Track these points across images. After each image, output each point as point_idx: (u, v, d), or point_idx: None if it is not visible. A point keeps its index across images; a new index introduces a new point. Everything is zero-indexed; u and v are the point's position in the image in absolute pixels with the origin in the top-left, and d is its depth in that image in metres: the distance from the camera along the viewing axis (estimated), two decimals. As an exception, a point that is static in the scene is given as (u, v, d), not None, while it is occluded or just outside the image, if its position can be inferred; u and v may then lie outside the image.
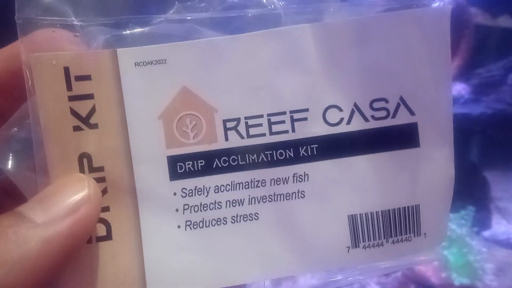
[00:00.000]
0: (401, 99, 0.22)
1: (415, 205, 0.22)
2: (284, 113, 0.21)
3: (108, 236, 0.21)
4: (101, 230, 0.21)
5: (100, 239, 0.21)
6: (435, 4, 0.21)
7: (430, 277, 0.47)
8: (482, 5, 0.54)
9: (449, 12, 0.21)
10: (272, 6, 0.23)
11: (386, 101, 0.22)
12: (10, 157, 0.21)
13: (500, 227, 0.53)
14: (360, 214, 0.22)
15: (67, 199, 0.19)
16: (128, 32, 0.22)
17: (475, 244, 0.50)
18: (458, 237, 0.50)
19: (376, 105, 0.22)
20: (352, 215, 0.22)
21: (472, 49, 0.53)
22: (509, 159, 0.54)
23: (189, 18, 0.22)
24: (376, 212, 0.22)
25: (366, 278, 0.24)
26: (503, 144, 0.54)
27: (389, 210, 0.22)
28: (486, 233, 0.52)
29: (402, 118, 0.22)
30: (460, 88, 0.53)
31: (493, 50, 0.55)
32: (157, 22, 0.22)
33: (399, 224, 0.22)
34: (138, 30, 0.22)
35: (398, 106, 0.22)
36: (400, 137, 0.22)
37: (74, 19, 0.21)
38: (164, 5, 0.23)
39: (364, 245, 0.22)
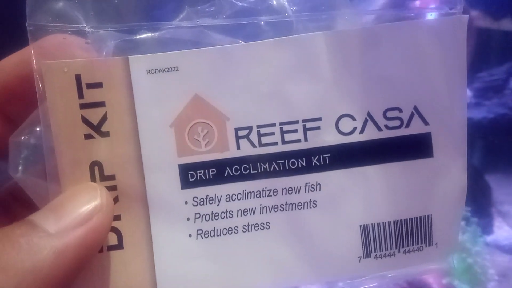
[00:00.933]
0: (415, 108, 0.22)
1: (428, 215, 0.22)
2: (296, 122, 0.21)
3: (119, 245, 0.21)
4: (113, 239, 0.21)
5: (112, 248, 0.21)
6: (451, 14, 0.21)
7: (431, 283, 0.47)
8: (484, 8, 0.53)
9: (466, 22, 0.21)
10: (286, 14, 0.23)
11: (400, 110, 0.21)
12: (21, 163, 0.21)
13: (502, 232, 0.52)
14: (372, 224, 0.22)
15: (79, 209, 0.19)
16: (139, 38, 0.22)
17: (477, 249, 0.50)
18: (459, 242, 0.49)
19: (390, 114, 0.21)
20: (364, 225, 0.22)
21: (474, 52, 0.53)
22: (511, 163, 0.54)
23: (200, 25, 0.22)
24: (388, 222, 0.22)
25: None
26: (505, 149, 0.54)
27: (401, 220, 0.22)
28: (488, 238, 0.51)
29: (416, 127, 0.22)
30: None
31: (495, 54, 0.54)
32: (168, 28, 0.22)
33: (411, 234, 0.22)
34: (149, 36, 0.22)
35: (412, 115, 0.22)
36: (414, 147, 0.22)
37: (85, 25, 0.21)
38: (174, 10, 0.23)
39: (376, 255, 0.22)
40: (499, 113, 0.54)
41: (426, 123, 0.22)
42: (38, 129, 0.21)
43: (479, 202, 0.53)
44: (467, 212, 0.51)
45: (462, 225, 0.51)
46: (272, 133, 0.21)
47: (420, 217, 0.22)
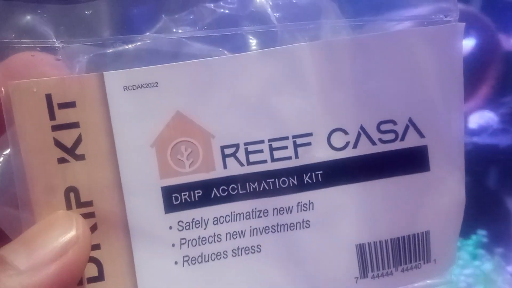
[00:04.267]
0: (410, 120, 0.20)
1: (425, 232, 0.21)
2: (286, 138, 0.20)
3: (100, 277, 0.19)
4: (92, 271, 0.19)
5: (91, 280, 0.19)
6: (446, 22, 0.20)
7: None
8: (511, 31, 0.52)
9: (462, 30, 0.20)
10: (270, 22, 0.21)
11: (394, 123, 0.20)
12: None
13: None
14: (368, 243, 0.21)
15: (53, 242, 0.17)
16: (114, 52, 0.20)
17: (501, 280, 0.48)
18: (484, 273, 0.48)
19: (384, 127, 0.20)
20: (360, 244, 0.21)
21: (501, 77, 0.51)
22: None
23: (180, 36, 0.21)
24: (385, 240, 0.21)
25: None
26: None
27: (398, 238, 0.21)
28: (510, 268, 0.50)
29: (412, 140, 0.21)
30: (488, 118, 0.52)
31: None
32: (144, 39, 0.21)
33: (408, 251, 0.21)
34: (124, 49, 0.21)
35: (407, 128, 0.20)
36: (410, 161, 0.21)
37: (55, 40, 0.20)
38: (150, 20, 0.22)
39: (373, 274, 0.21)
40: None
41: (422, 135, 0.21)
42: (7, 153, 0.19)
43: (504, 232, 0.51)
44: (496, 246, 0.50)
45: (486, 255, 0.49)
46: (261, 151, 0.20)
47: (418, 233, 0.21)
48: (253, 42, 0.21)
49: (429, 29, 0.20)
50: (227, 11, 0.22)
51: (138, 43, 0.21)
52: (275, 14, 0.22)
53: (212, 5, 0.22)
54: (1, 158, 0.19)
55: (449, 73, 0.20)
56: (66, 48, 0.20)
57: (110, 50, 0.20)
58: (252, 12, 0.22)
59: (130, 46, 0.21)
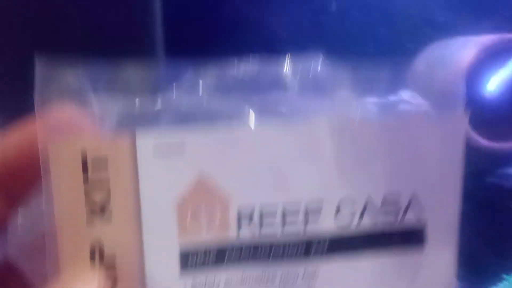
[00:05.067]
0: (412, 199, 0.22)
1: None
2: (298, 208, 0.21)
3: None
4: (110, 324, 0.20)
5: None
6: (453, 113, 0.22)
7: None
8: None
9: (466, 120, 0.22)
10: (290, 90, 0.23)
11: (397, 200, 0.22)
12: (19, 241, 0.20)
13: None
14: None
15: None
16: (145, 111, 0.22)
17: None
18: None
19: (387, 203, 0.22)
20: None
21: None
22: None
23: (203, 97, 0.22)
24: None
25: None
26: None
27: None
28: None
29: (412, 218, 0.22)
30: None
31: None
32: (173, 99, 0.22)
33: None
34: (155, 109, 0.22)
35: (408, 206, 0.22)
36: (408, 238, 0.22)
37: (93, 97, 0.21)
38: (177, 80, 0.23)
39: None
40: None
41: (421, 214, 0.22)
42: (39, 206, 0.20)
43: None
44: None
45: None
46: (274, 219, 0.21)
47: None
48: (271, 109, 0.23)
49: (435, 118, 0.22)
50: (247, 76, 0.23)
51: (168, 104, 0.22)
52: (294, 84, 0.23)
53: (234, 69, 0.23)
54: (34, 210, 0.20)
55: (451, 159, 0.22)
56: (102, 104, 0.21)
57: (140, 109, 0.22)
58: (272, 78, 0.23)
59: (161, 105, 0.22)
